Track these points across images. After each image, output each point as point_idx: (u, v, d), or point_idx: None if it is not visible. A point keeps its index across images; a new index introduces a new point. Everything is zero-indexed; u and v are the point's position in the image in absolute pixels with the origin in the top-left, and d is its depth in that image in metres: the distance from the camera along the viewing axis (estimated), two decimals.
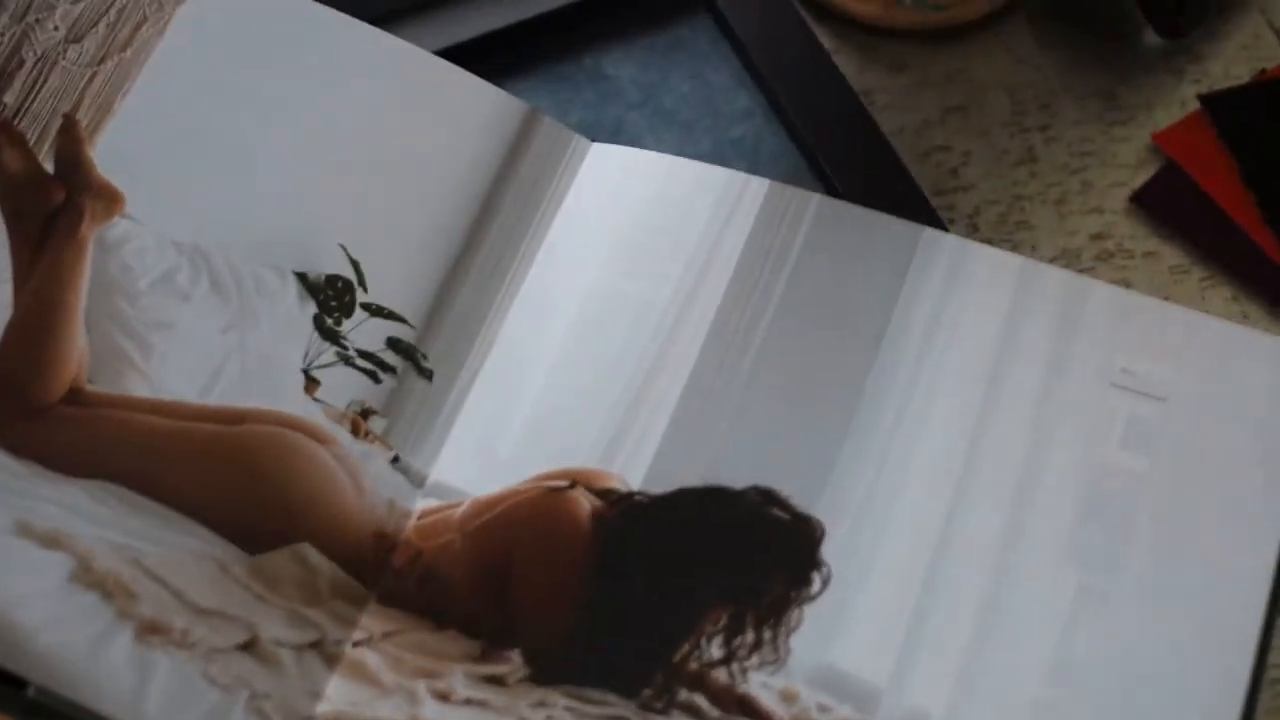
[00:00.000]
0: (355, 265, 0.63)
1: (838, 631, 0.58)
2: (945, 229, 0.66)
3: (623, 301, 0.64)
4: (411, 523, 0.60)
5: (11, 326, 0.59)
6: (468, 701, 0.57)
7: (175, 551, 0.57)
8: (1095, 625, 0.58)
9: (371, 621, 0.58)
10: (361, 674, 0.57)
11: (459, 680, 0.57)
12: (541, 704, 0.57)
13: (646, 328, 0.63)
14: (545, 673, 0.57)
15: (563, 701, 0.57)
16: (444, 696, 0.57)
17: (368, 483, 0.60)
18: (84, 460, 0.58)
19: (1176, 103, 0.73)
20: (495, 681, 0.57)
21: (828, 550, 0.59)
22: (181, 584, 0.57)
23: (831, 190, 0.69)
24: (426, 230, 0.64)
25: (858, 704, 0.57)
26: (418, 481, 0.61)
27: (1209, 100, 0.73)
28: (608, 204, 0.66)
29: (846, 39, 0.74)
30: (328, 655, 0.57)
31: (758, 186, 0.66)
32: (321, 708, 0.56)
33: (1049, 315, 0.64)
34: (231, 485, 0.59)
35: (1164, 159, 0.72)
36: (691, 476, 0.60)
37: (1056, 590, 0.58)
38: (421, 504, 0.60)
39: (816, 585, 0.59)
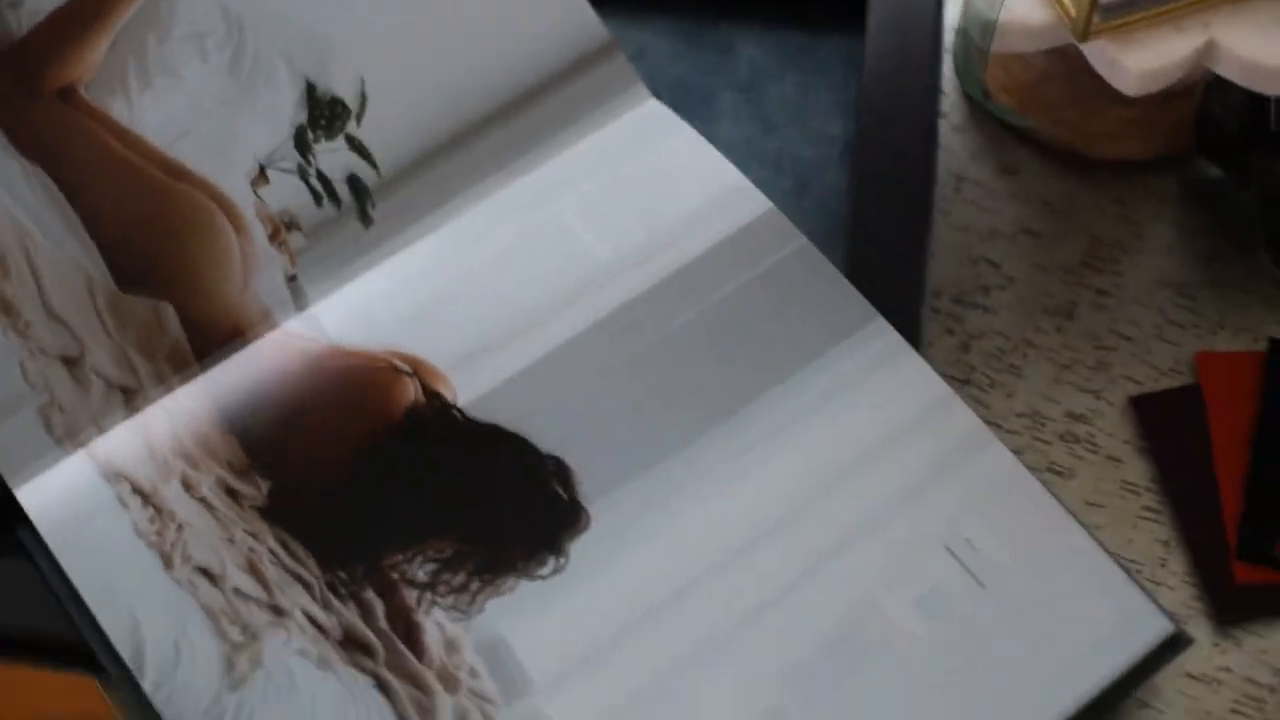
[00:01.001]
0: (364, 99, 0.66)
1: (535, 616, 0.59)
2: (916, 331, 0.65)
3: (569, 238, 0.65)
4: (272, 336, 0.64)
5: (65, 9, 0.66)
6: (202, 500, 0.61)
7: (61, 254, 0.63)
8: None
9: (182, 396, 0.63)
10: (145, 432, 0.62)
11: (209, 479, 0.61)
12: (253, 535, 0.60)
13: (574, 273, 0.65)
14: (277, 512, 0.61)
15: (271, 542, 0.60)
16: (189, 486, 0.61)
17: (255, 284, 0.64)
18: (44, 148, 0.64)
19: (1250, 336, 0.68)
20: (232, 495, 0.61)
21: (579, 545, 0.60)
22: (50, 284, 0.63)
23: (844, 249, 0.67)
24: (447, 99, 0.67)
25: (504, 687, 0.58)
26: (300, 306, 0.65)
27: (1277, 344, 0.67)
28: (621, 152, 0.67)
29: (980, 120, 0.72)
30: (131, 403, 0.62)
31: (758, 204, 0.66)
32: (99, 439, 0.62)
33: (932, 452, 0.61)
34: (142, 226, 0.64)
35: (1193, 378, 0.67)
36: (515, 419, 0.62)
37: (750, 695, 0.58)
38: (291, 326, 0.64)
39: (547, 569, 0.60)
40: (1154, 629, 0.59)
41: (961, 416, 0.62)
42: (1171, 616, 0.59)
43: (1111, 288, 0.69)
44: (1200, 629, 0.63)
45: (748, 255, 0.65)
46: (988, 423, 0.66)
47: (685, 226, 0.65)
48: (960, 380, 0.67)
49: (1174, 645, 0.59)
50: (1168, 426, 0.67)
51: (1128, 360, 0.68)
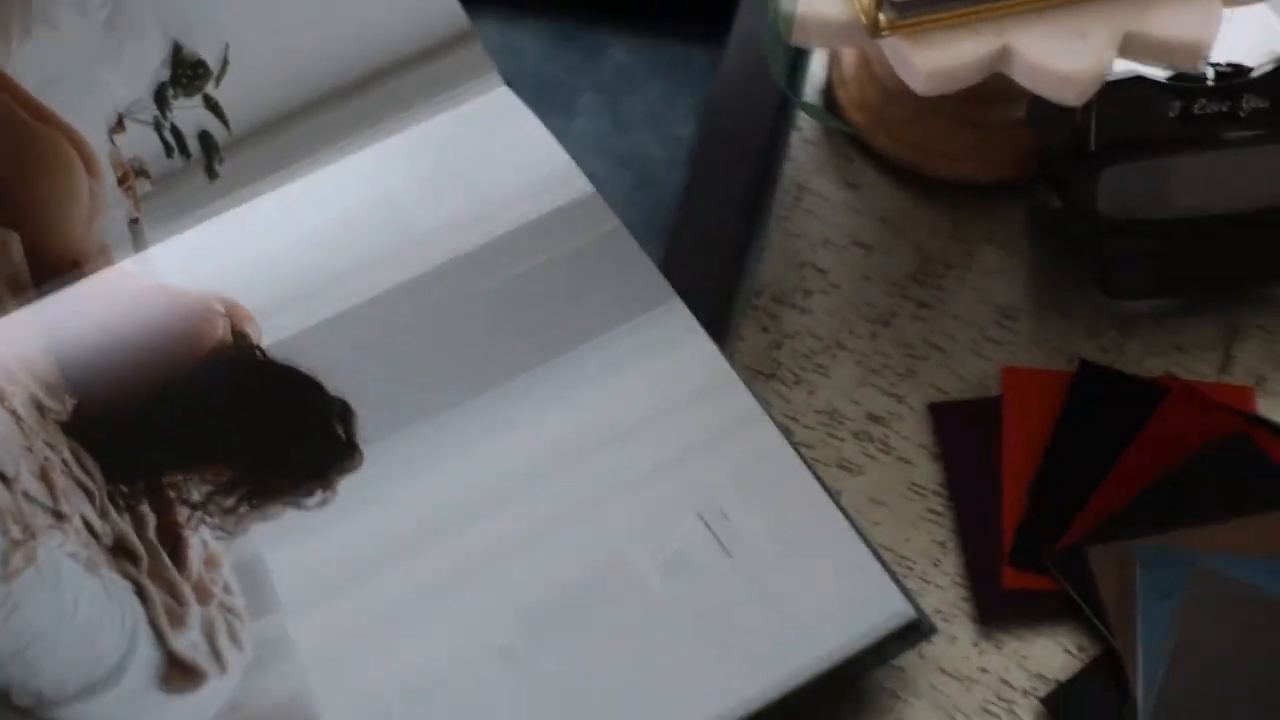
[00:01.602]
0: (225, 64, 0.70)
1: (295, 543, 0.61)
2: (724, 322, 0.67)
3: (396, 209, 0.69)
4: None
5: None
6: (13, 412, 0.64)
7: None
8: (513, 688, 0.59)
9: (15, 317, 0.67)
10: None
11: (22, 394, 0.65)
12: (50, 446, 0.64)
13: (393, 238, 0.68)
14: (76, 427, 0.64)
15: (65, 454, 0.64)
16: (3, 398, 0.65)
17: (99, 224, 0.69)
18: None
19: (1065, 358, 0.69)
20: (40, 409, 0.65)
21: (348, 481, 0.63)
22: None
23: (664, 241, 0.70)
24: (304, 69, 0.70)
25: (252, 603, 0.60)
26: (138, 247, 0.68)
27: (1087, 367, 0.68)
28: (462, 133, 0.70)
29: (834, 136, 0.74)
30: None
31: (580, 188, 0.69)
32: None
33: (702, 428, 0.63)
34: (2, 161, 0.69)
35: (997, 392, 0.68)
36: (311, 363, 0.65)
37: (485, 632, 0.60)
38: (126, 264, 0.68)
39: (313, 501, 0.62)
40: (894, 614, 0.60)
41: (738, 399, 0.64)
42: (916, 605, 0.60)
43: (933, 301, 0.71)
44: (963, 629, 0.64)
45: (560, 234, 0.68)
46: (786, 417, 0.68)
47: (505, 203, 0.68)
48: (765, 375, 0.69)
49: (914, 633, 0.60)
50: (963, 435, 0.68)
51: (936, 370, 0.69)
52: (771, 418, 0.64)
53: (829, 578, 0.61)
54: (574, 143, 0.73)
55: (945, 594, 0.65)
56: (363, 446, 0.63)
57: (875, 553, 0.61)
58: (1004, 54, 0.63)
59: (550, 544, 0.62)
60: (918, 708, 0.62)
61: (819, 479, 0.62)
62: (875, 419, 0.68)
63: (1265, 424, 0.68)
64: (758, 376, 0.69)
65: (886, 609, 0.60)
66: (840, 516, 0.62)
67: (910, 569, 0.65)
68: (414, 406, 0.64)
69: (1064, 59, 0.62)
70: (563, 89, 0.75)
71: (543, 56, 0.77)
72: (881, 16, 0.62)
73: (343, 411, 0.64)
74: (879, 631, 0.60)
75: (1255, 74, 0.67)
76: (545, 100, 0.75)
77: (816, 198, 0.73)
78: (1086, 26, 0.63)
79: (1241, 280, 0.70)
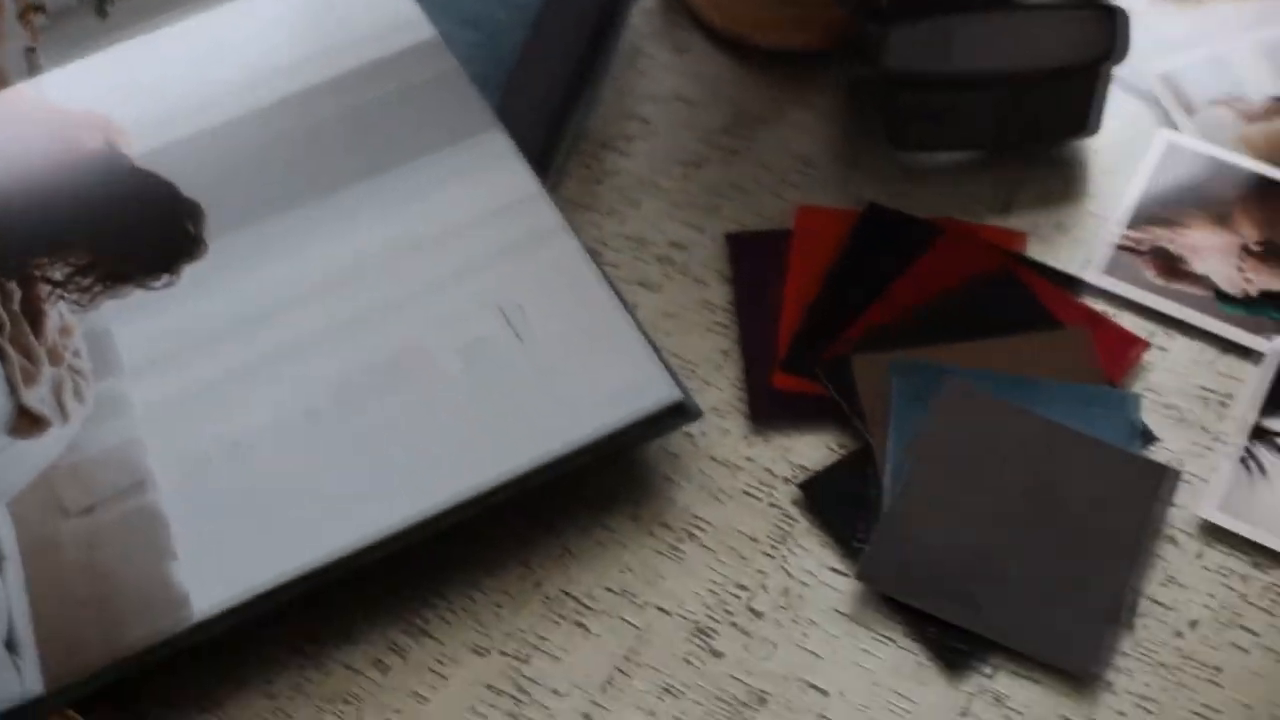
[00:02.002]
0: None
1: (141, 319, 0.70)
2: (549, 163, 0.75)
3: (261, 46, 0.77)
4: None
5: None
6: None
7: None
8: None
9: None
10: None
11: None
12: None
13: (255, 71, 0.76)
14: None
15: None
16: None
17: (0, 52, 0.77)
18: None
19: (854, 200, 0.76)
20: None
21: (192, 269, 0.71)
22: None
23: (498, 86, 0.77)
24: None
25: (98, 366, 0.69)
26: (32, 73, 0.77)
27: (873, 208, 0.76)
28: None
29: (672, 7, 0.82)
30: None
31: (425, 32, 0.77)
32: None
33: (509, 236, 0.71)
34: None
35: (790, 228, 0.76)
36: (171, 170, 0.73)
37: (296, 397, 0.67)
38: (22, 87, 0.77)
39: (159, 284, 0.71)
40: (663, 397, 0.68)
41: (546, 214, 0.72)
42: (684, 391, 0.68)
43: (743, 150, 0.78)
44: (735, 424, 0.71)
45: (401, 71, 0.76)
46: (597, 241, 0.76)
47: (356, 43, 0.77)
48: (584, 206, 0.77)
49: (680, 414, 0.68)
50: (755, 261, 0.75)
51: (739, 208, 0.77)
52: (575, 234, 0.71)
53: (608, 366, 0.69)
54: (428, 4, 0.81)
55: (723, 394, 0.72)
56: (208, 242, 0.72)
57: (654, 348, 0.69)
58: None
59: (364, 330, 0.69)
60: (686, 489, 0.70)
61: (613, 287, 0.70)
62: (677, 245, 0.76)
63: (1030, 263, 0.75)
64: (577, 207, 0.76)
65: (656, 393, 0.68)
66: (625, 316, 0.69)
67: (693, 372, 0.72)
68: (256, 210, 0.72)
69: None
70: None
71: None
72: None
73: (193, 211, 0.72)
74: (647, 410, 0.68)
75: None
76: None
77: (650, 60, 0.81)
78: None
79: (1021, 139, 0.78)
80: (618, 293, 0.70)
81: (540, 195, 0.73)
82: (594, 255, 0.73)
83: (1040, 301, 0.74)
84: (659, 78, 0.80)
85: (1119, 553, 0.68)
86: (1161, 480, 0.70)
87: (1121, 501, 0.69)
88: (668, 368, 0.69)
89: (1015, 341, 0.73)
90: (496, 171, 0.73)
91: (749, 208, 0.77)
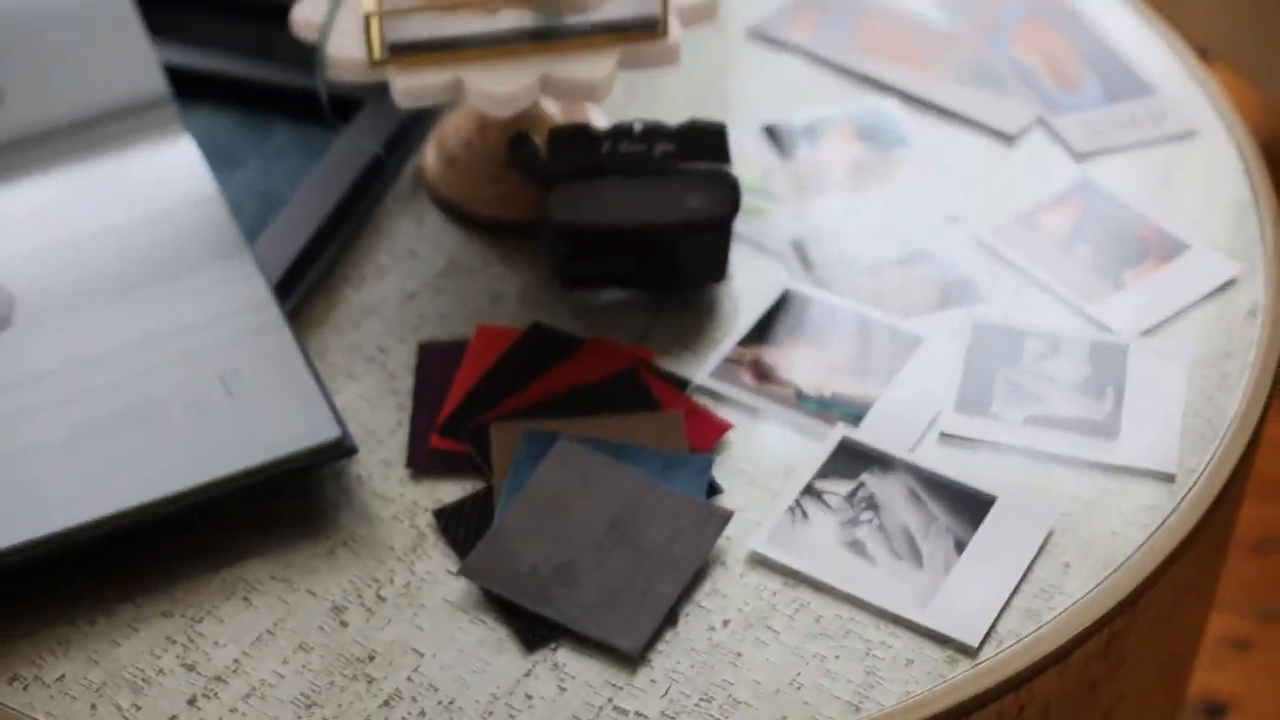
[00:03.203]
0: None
1: None
2: (292, 289, 0.96)
3: (69, 209, 1.00)
4: None
5: None
6: None
7: None
8: None
9: None
10: None
11: None
12: None
13: (70, 219, 0.99)
14: None
15: None
16: None
17: None
18: None
19: (529, 324, 0.97)
20: None
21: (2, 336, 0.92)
22: None
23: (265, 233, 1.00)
24: (28, 112, 1.04)
25: None
26: None
27: (536, 326, 0.96)
28: (136, 161, 1.02)
29: (419, 186, 1.05)
30: None
31: (209, 189, 0.99)
32: None
33: (237, 327, 0.92)
34: None
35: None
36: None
37: (58, 425, 0.88)
38: None
39: None
40: (327, 434, 0.88)
41: (270, 313, 0.93)
42: (345, 431, 0.87)
43: (449, 289, 1.00)
44: (397, 471, 0.91)
45: (183, 216, 0.98)
46: (322, 346, 0.97)
47: (150, 196, 1.00)
48: (317, 323, 0.98)
49: (338, 448, 0.87)
50: (437, 362, 0.96)
51: (437, 328, 0.98)
52: (291, 330, 0.93)
53: (292, 414, 0.89)
54: (230, 182, 1.05)
55: (392, 452, 0.92)
56: (16, 320, 0.93)
57: (331, 405, 0.89)
58: (458, 83, 0.93)
59: (116, 389, 0.90)
60: (348, 512, 0.89)
61: (310, 365, 0.91)
62: (382, 350, 0.97)
63: (651, 368, 0.95)
64: (312, 323, 0.98)
65: (322, 431, 0.88)
66: (313, 384, 0.90)
67: (372, 434, 0.92)
68: (61, 302, 0.94)
69: (496, 85, 0.93)
70: (237, 151, 1.08)
71: (227, 130, 1.09)
72: (379, 55, 0.94)
73: (9, 298, 0.94)
74: (315, 442, 0.88)
75: (668, 127, 0.97)
76: (224, 154, 1.07)
77: (393, 224, 1.04)
78: (517, 69, 0.94)
79: (666, 281, 0.98)
80: (313, 369, 0.91)
81: (269, 300, 0.94)
82: (317, 356, 0.95)
83: (653, 394, 0.93)
84: (398, 237, 1.03)
85: (677, 571, 0.85)
86: (714, 519, 0.87)
87: (684, 535, 0.87)
88: (337, 419, 0.89)
89: (624, 419, 0.92)
90: (239, 284, 0.95)
91: (445, 328, 0.98)
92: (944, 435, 0.92)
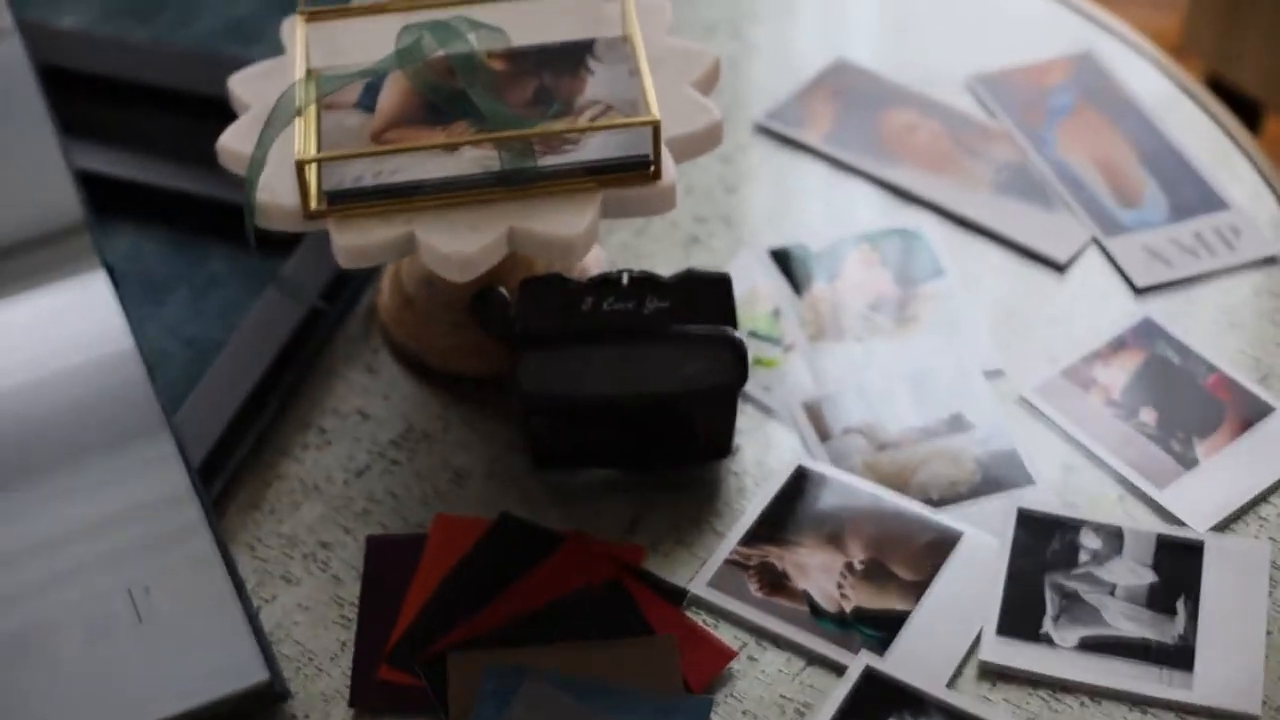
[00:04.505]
0: None
1: None
2: (222, 466, 0.82)
3: None
4: None
5: None
6: None
7: None
8: None
9: None
10: None
11: None
12: None
13: None
14: None
15: None
16: None
17: None
18: None
19: (499, 512, 0.82)
20: None
21: None
22: None
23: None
24: None
25: None
26: None
27: (505, 517, 0.82)
28: (50, 300, 0.88)
29: (370, 333, 0.90)
30: None
31: (126, 346, 0.85)
32: None
33: (151, 529, 0.78)
34: None
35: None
36: None
37: None
38: None
39: None
40: (253, 677, 0.74)
41: (190, 512, 0.79)
42: (276, 674, 0.74)
43: (405, 461, 0.85)
44: (338, 709, 0.76)
45: (94, 378, 0.84)
46: (254, 537, 0.82)
47: (61, 351, 0.85)
48: (249, 505, 0.84)
49: (270, 693, 0.74)
50: (388, 562, 0.81)
51: (390, 514, 0.83)
52: (213, 531, 0.78)
53: (211, 649, 0.75)
54: (155, 320, 0.90)
55: (334, 682, 0.77)
56: None
57: (257, 636, 0.75)
58: (409, 239, 0.78)
59: (7, 599, 0.77)
60: None
61: (235, 581, 0.77)
62: (324, 545, 0.82)
63: (642, 574, 0.80)
64: (243, 506, 0.83)
65: (248, 674, 0.74)
66: (238, 608, 0.76)
67: (311, 659, 0.78)
68: None
69: (454, 245, 0.78)
70: (164, 282, 0.93)
71: (158, 257, 0.95)
72: (314, 205, 0.79)
73: None
74: (237, 688, 0.74)
75: (662, 280, 0.82)
76: (145, 287, 0.92)
77: (341, 377, 0.89)
78: (479, 222, 0.79)
79: (657, 460, 0.84)
80: (238, 585, 0.77)
81: (189, 495, 0.80)
82: (248, 549, 0.81)
83: (640, 611, 0.79)
84: (346, 394, 0.88)
85: None
86: None
87: None
88: (266, 655, 0.75)
89: (607, 647, 0.78)
90: (155, 471, 0.81)
91: (399, 514, 0.83)
92: (985, 666, 0.78)
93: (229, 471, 0.85)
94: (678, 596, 0.81)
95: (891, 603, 0.80)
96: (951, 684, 0.77)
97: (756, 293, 0.93)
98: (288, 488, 0.85)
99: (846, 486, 0.84)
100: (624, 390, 0.82)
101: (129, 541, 0.79)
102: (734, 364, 0.82)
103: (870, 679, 0.77)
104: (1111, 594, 0.80)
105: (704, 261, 0.94)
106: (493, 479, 0.85)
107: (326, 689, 0.77)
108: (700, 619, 0.80)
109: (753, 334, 0.91)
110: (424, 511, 0.84)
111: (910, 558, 0.82)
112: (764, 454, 0.86)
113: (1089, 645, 0.78)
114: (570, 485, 0.85)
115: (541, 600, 0.80)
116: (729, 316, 0.83)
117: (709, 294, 0.83)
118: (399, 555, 0.82)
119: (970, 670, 0.78)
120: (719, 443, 0.84)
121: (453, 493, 0.84)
